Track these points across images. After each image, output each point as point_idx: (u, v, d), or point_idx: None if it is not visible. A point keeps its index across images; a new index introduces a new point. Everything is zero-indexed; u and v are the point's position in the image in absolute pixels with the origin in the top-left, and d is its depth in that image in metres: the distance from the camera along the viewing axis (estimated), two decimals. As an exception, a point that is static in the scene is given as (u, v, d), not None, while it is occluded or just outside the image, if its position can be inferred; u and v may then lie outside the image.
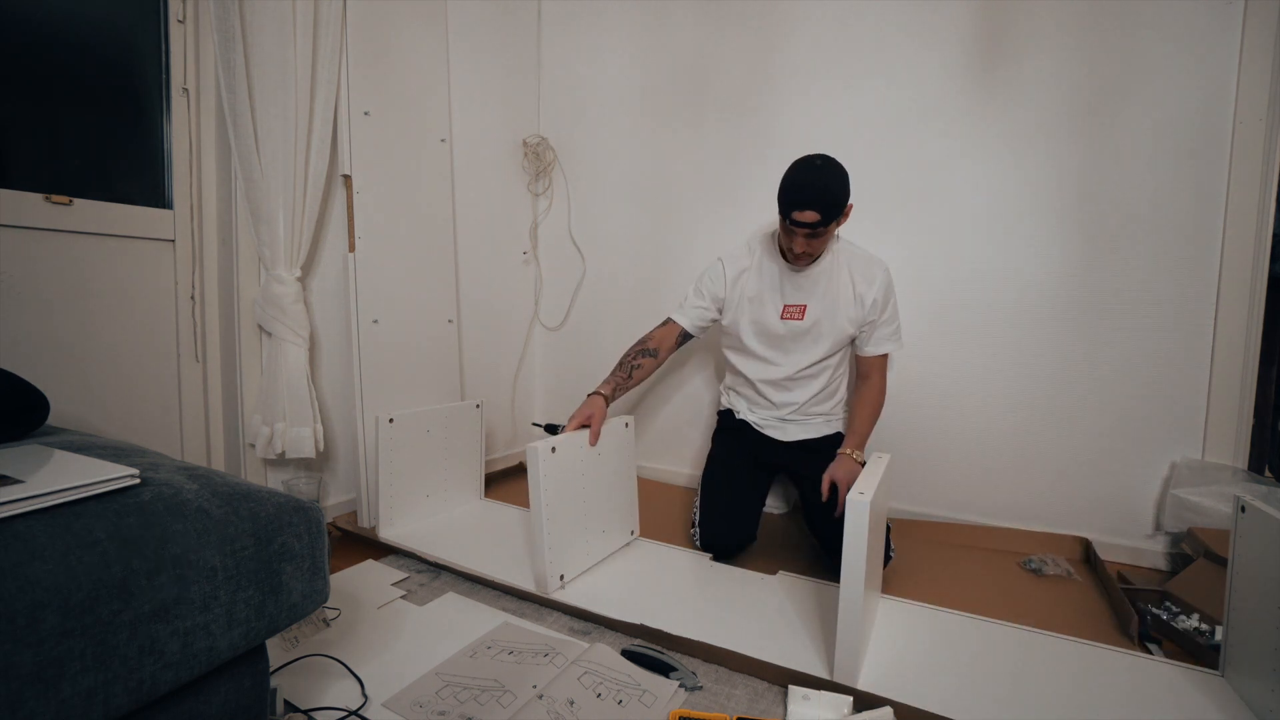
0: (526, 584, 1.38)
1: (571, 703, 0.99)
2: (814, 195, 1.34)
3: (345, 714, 0.96)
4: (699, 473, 1.84)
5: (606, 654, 1.13)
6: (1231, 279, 1.53)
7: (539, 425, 1.86)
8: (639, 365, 1.56)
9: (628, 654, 1.14)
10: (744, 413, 1.72)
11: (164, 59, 1.50)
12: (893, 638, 1.19)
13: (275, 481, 1.70)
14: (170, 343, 1.54)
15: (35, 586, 0.58)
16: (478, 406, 1.90)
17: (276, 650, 1.11)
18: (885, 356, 1.58)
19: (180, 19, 1.50)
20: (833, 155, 1.40)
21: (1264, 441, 1.77)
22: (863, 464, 1.41)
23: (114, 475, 0.72)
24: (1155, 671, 1.11)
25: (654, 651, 1.15)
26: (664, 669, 1.10)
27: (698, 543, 1.59)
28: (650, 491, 2.09)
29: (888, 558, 1.42)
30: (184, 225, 1.54)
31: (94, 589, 0.61)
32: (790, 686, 1.03)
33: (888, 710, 0.98)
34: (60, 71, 1.37)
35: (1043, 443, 1.74)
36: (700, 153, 2.14)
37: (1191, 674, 1.10)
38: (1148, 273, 1.61)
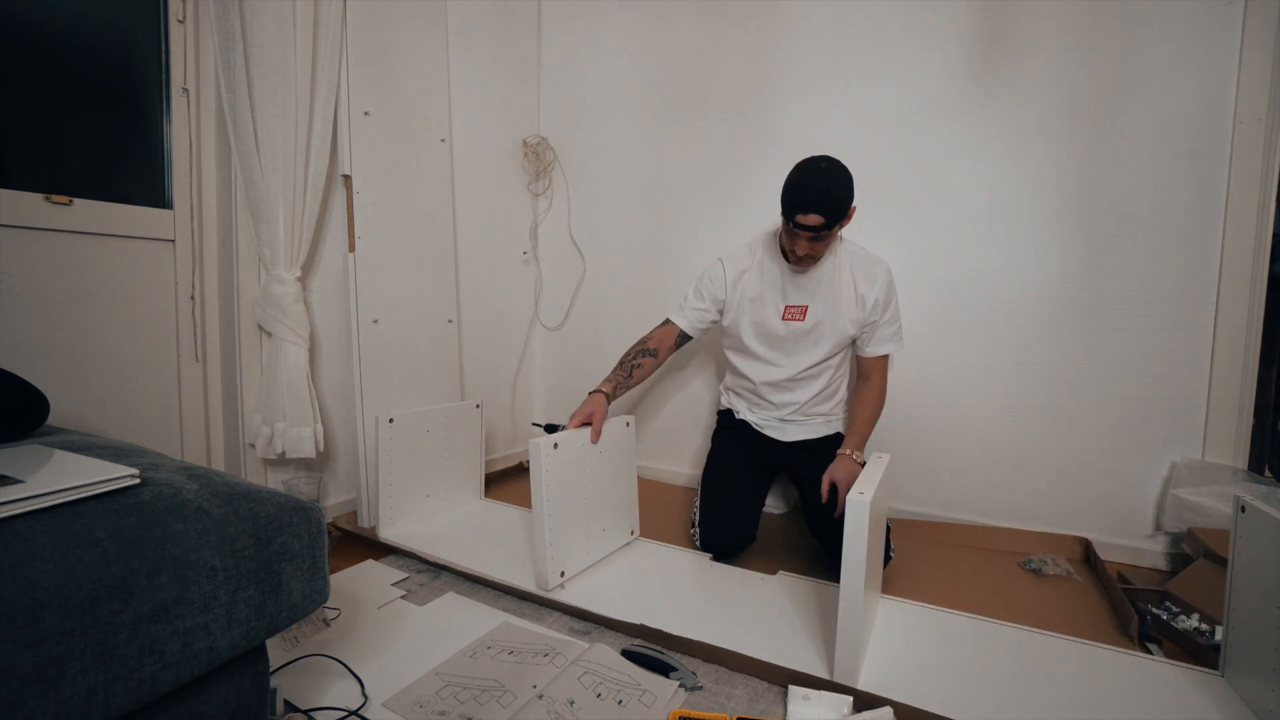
0: (526, 584, 1.38)
1: (571, 703, 0.99)
2: (818, 198, 1.34)
3: (345, 714, 0.96)
4: (699, 473, 1.84)
5: (606, 654, 1.13)
6: (1231, 279, 1.53)
7: (539, 425, 1.86)
8: (639, 365, 1.56)
9: (628, 654, 1.14)
10: (744, 413, 1.72)
11: (164, 59, 1.50)
12: (893, 638, 1.19)
13: (275, 481, 1.70)
14: (170, 343, 1.54)
15: (35, 586, 0.58)
16: (478, 406, 1.90)
17: (276, 650, 1.11)
18: (886, 357, 1.58)
19: (180, 19, 1.50)
20: (833, 155, 1.40)
21: (1264, 441, 1.77)
22: (862, 464, 1.41)
23: (114, 475, 0.72)
24: (1155, 671, 1.11)
25: (654, 651, 1.15)
26: (664, 669, 1.10)
27: (698, 543, 1.59)
28: (650, 491, 2.09)
29: (888, 558, 1.42)
30: (184, 225, 1.54)
31: (94, 589, 0.61)
32: (790, 686, 1.03)
33: (888, 710, 0.98)
34: (60, 71, 1.37)
35: (1043, 443, 1.74)
36: (700, 153, 2.14)
37: (1191, 674, 1.10)
38: (1148, 273, 1.61)
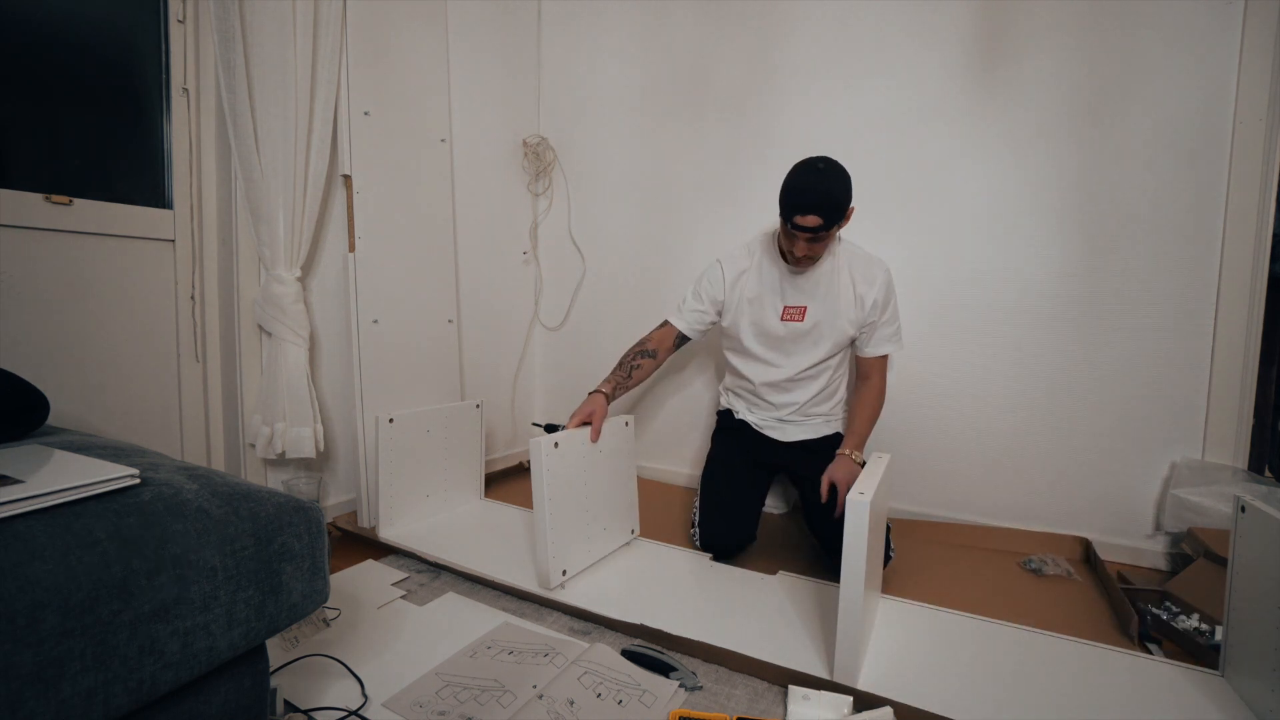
0: (527, 584, 1.38)
1: (571, 703, 0.99)
2: (816, 199, 1.34)
3: (345, 714, 0.96)
4: (699, 473, 1.84)
5: (606, 654, 1.13)
6: (1231, 279, 1.53)
7: (539, 425, 1.86)
8: (638, 365, 1.56)
9: (628, 654, 1.14)
10: (743, 413, 1.72)
11: (164, 59, 1.50)
12: (893, 638, 1.19)
13: (275, 481, 1.70)
14: (170, 343, 1.54)
15: (35, 586, 0.58)
16: (478, 406, 1.90)
17: (276, 650, 1.11)
18: (885, 357, 1.58)
19: (180, 19, 1.50)
20: (833, 155, 1.40)
21: (1264, 441, 1.77)
22: (862, 464, 1.41)
23: (114, 475, 0.72)
24: (1155, 671, 1.11)
25: (654, 651, 1.15)
26: (664, 669, 1.10)
27: (697, 543, 1.59)
28: (650, 491, 2.09)
29: (888, 558, 1.42)
30: (184, 225, 1.54)
31: (94, 589, 0.61)
32: (790, 686, 1.03)
33: (888, 710, 0.98)
34: (60, 71, 1.37)
35: (1042, 442, 1.74)
36: (700, 153, 2.14)
37: (1191, 674, 1.10)
38: (1148, 273, 1.61)
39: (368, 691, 1.02)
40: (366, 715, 0.96)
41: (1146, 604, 1.34)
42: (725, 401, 1.80)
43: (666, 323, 1.64)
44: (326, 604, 1.17)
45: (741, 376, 1.68)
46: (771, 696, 1.06)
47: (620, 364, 1.57)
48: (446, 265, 1.99)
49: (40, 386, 0.97)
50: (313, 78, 1.57)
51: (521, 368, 2.45)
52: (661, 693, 1.03)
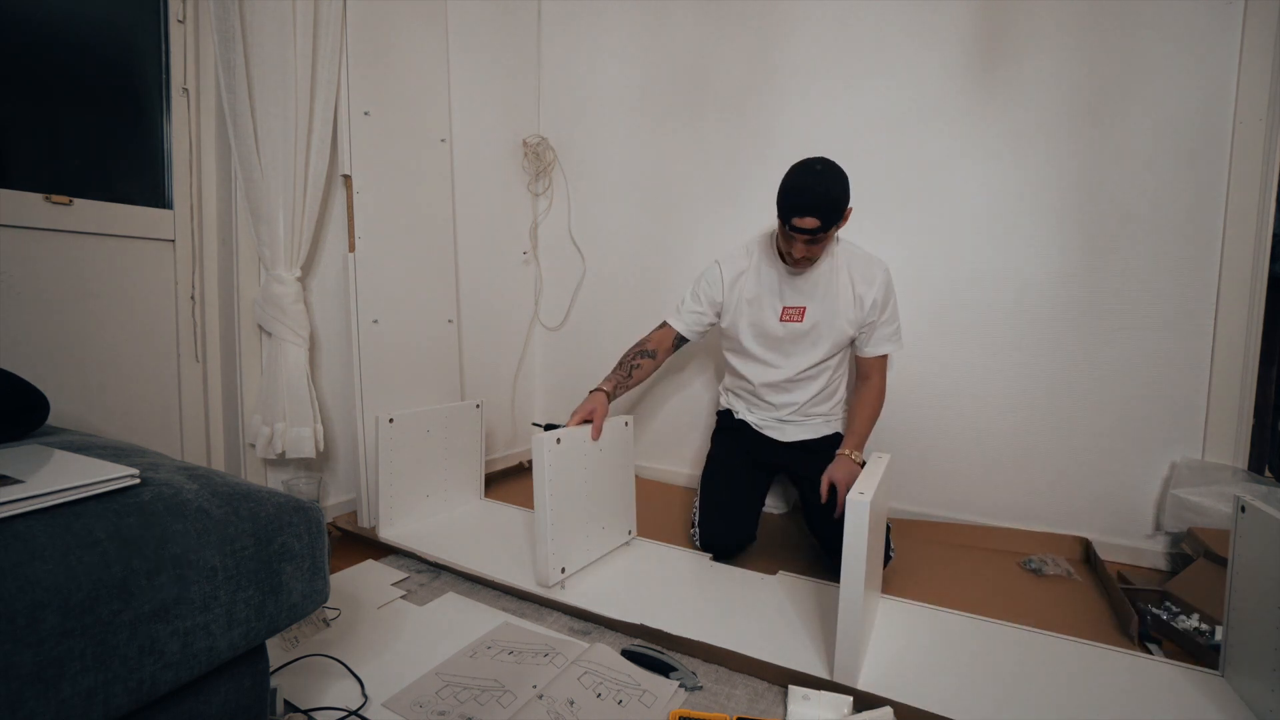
0: (526, 584, 1.38)
1: (571, 703, 0.99)
2: (814, 200, 1.34)
3: (345, 714, 0.96)
4: (698, 473, 1.84)
5: (606, 654, 1.13)
6: (1231, 279, 1.53)
7: (539, 425, 1.85)
8: (638, 365, 1.57)
9: (628, 654, 1.14)
10: (743, 413, 1.72)
11: (164, 59, 1.50)
12: (893, 638, 1.19)
13: (275, 481, 1.70)
14: (170, 343, 1.54)
15: (35, 586, 0.58)
16: (478, 406, 1.90)
17: (276, 650, 1.11)
18: (885, 357, 1.58)
19: (180, 19, 1.50)
20: (832, 155, 1.40)
21: (1264, 441, 1.77)
22: (862, 464, 1.41)
23: (114, 475, 0.72)
24: (1155, 671, 1.11)
25: (654, 651, 1.15)
26: (664, 669, 1.10)
27: (697, 543, 1.59)
28: (650, 491, 2.09)
29: (888, 558, 1.42)
30: (184, 225, 1.54)
31: (94, 589, 0.61)
32: (790, 686, 1.03)
33: (888, 710, 0.98)
34: (60, 71, 1.37)
35: (1043, 442, 1.74)
36: (700, 153, 2.14)
37: (1191, 674, 1.10)
38: (1148, 273, 1.61)
39: (368, 691, 1.02)
40: (366, 715, 0.96)
41: (1146, 604, 1.34)
42: (725, 401, 1.80)
43: (665, 324, 1.65)
44: (326, 604, 1.17)
45: (741, 377, 1.68)
46: (771, 696, 1.06)
47: (620, 364, 1.57)
48: (446, 265, 1.99)
49: (40, 386, 0.97)
50: (313, 78, 1.57)
51: (521, 368, 2.45)
52: (661, 693, 1.03)
